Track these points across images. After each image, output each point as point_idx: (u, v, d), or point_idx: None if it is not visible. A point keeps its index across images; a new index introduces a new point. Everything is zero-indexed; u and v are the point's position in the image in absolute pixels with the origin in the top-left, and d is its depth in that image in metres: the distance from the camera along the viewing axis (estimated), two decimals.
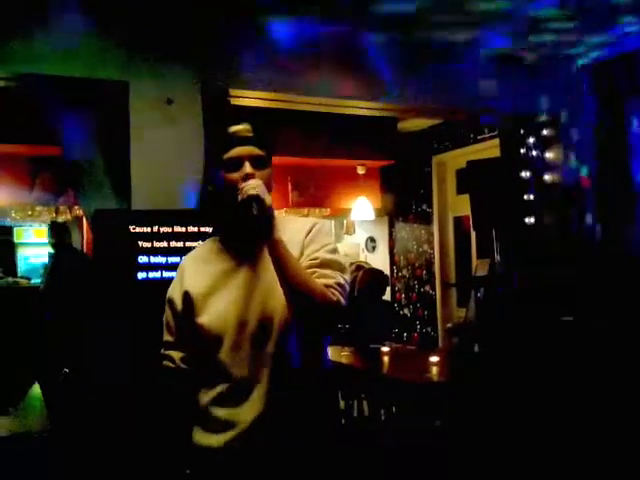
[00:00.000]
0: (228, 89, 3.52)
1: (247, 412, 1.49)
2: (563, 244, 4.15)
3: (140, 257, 3.06)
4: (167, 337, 1.61)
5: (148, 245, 3.07)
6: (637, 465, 2.76)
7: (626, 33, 3.81)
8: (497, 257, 4.19)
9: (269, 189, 1.50)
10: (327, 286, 1.46)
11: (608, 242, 4.08)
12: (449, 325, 5.43)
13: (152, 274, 3.06)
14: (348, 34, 3.65)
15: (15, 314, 5.31)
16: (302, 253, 1.54)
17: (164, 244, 3.10)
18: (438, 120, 5.65)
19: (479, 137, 5.42)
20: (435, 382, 3.40)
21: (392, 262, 6.74)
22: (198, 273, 1.58)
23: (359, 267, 5.83)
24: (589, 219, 4.25)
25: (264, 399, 1.49)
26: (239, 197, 1.44)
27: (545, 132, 4.48)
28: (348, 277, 1.55)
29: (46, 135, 4.37)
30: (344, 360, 4.00)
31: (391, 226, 6.76)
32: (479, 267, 4.87)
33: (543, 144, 4.48)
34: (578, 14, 3.52)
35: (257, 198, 1.43)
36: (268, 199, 1.45)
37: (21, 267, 8.12)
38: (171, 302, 1.60)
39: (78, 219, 6.32)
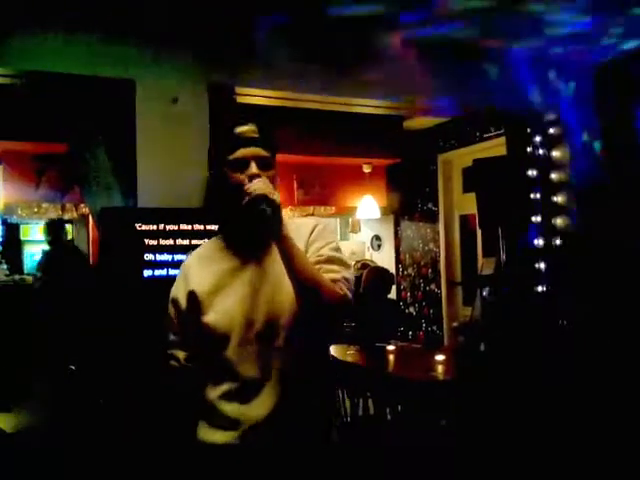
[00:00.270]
0: (234, 87, 3.52)
1: (255, 409, 1.49)
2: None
3: (146, 255, 3.06)
4: (171, 336, 1.61)
5: (154, 243, 3.08)
6: None
7: (635, 31, 3.79)
8: (503, 256, 4.18)
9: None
10: (334, 281, 1.49)
11: (615, 247, 4.07)
12: (455, 324, 5.42)
13: (158, 272, 3.06)
14: (356, 32, 3.64)
15: (21, 311, 5.33)
16: (307, 251, 1.55)
17: (170, 242, 3.10)
18: (444, 118, 5.64)
19: (485, 135, 5.41)
20: (441, 381, 3.39)
21: (398, 261, 6.73)
22: (203, 272, 1.58)
23: (364, 265, 5.83)
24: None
25: (272, 396, 1.49)
26: (247, 196, 1.45)
27: (552, 130, 4.47)
28: (352, 274, 1.57)
29: (52, 133, 4.41)
30: (350, 359, 3.99)
31: (397, 224, 6.75)
32: (485, 266, 4.86)
33: (550, 142, 4.47)
34: (588, 13, 3.50)
35: (267, 196, 1.44)
36: (277, 197, 1.46)
37: (27, 264, 8.15)
38: (175, 301, 1.60)
39: (84, 217, 6.33)
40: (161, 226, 3.10)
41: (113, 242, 3.10)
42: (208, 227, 3.11)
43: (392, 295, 6.13)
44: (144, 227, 3.07)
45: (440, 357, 3.68)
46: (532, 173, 4.43)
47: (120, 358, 2.90)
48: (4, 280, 6.42)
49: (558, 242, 4.41)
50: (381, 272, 5.21)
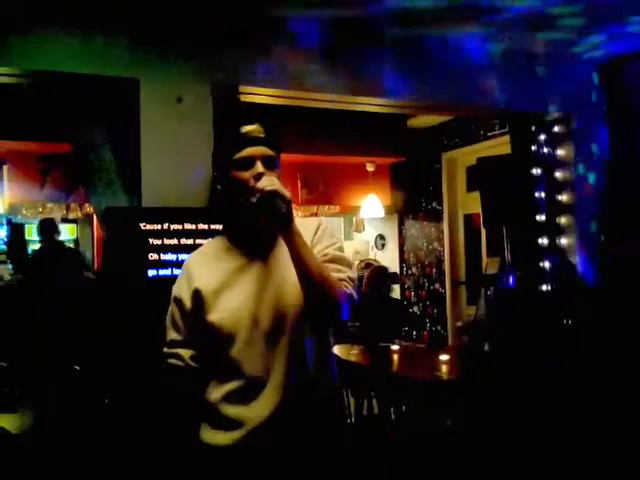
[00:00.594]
0: (238, 86, 3.52)
1: (259, 409, 1.49)
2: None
3: (150, 254, 3.06)
4: (174, 335, 1.59)
5: (158, 242, 3.08)
6: None
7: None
8: (507, 255, 4.17)
9: None
10: (340, 280, 1.50)
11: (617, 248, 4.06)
12: (459, 323, 5.41)
13: (162, 271, 3.06)
14: (359, 30, 3.64)
15: (25, 310, 5.34)
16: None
17: (174, 241, 3.11)
18: (448, 117, 5.63)
19: (489, 134, 5.40)
20: (445, 381, 3.38)
21: (402, 260, 6.72)
22: (208, 270, 1.58)
23: (368, 265, 5.83)
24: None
25: (276, 396, 1.49)
26: (258, 193, 1.45)
27: (556, 129, 4.46)
28: (355, 274, 1.59)
29: (57, 132, 4.41)
30: (354, 358, 3.99)
31: (401, 224, 6.75)
32: (489, 265, 4.85)
33: (554, 141, 4.45)
34: (590, 11, 3.49)
35: (278, 192, 1.44)
36: (287, 193, 1.47)
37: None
38: (178, 300, 1.58)
39: (89, 216, 6.35)
40: (165, 225, 3.10)
41: (117, 242, 3.11)
42: (212, 226, 3.11)
43: (396, 294, 6.13)
44: (148, 227, 3.08)
45: (444, 357, 3.67)
46: (537, 171, 4.42)
47: (124, 358, 2.90)
48: (9, 280, 6.43)
49: (563, 241, 4.41)
50: (383, 271, 5.20)
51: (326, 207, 6.51)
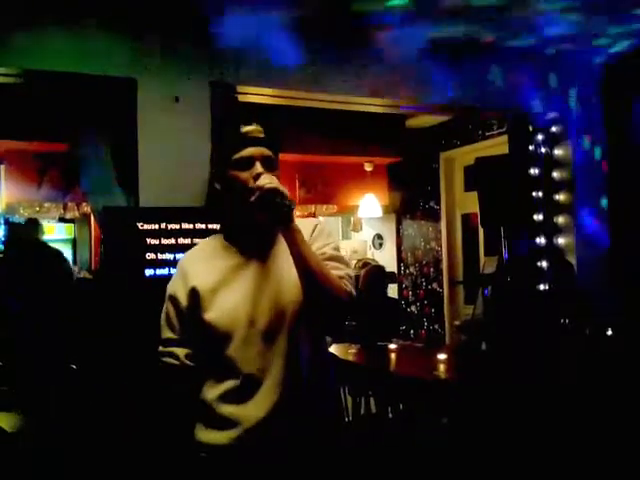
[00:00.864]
0: (235, 86, 3.52)
1: (255, 408, 1.48)
2: None
3: (148, 254, 3.06)
4: (169, 334, 1.59)
5: (156, 242, 3.08)
6: None
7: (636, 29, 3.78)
8: (505, 254, 4.17)
9: None
10: (339, 277, 1.51)
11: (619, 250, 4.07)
12: (457, 323, 5.41)
13: (160, 271, 3.06)
14: (355, 30, 3.64)
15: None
16: None
17: (172, 241, 3.11)
18: (446, 117, 5.63)
19: (487, 134, 5.40)
20: (442, 380, 3.39)
21: (399, 259, 6.72)
22: (204, 269, 1.57)
23: (365, 264, 5.82)
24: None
25: (274, 395, 1.48)
26: (258, 191, 1.45)
27: (554, 129, 4.46)
28: (353, 273, 1.60)
29: (54, 132, 4.40)
30: (351, 357, 3.99)
31: (398, 223, 6.75)
32: (487, 264, 4.85)
33: (552, 141, 4.46)
34: (589, 10, 3.49)
35: (278, 190, 1.45)
36: (286, 190, 1.47)
37: None
38: (174, 298, 1.58)
39: (86, 216, 6.33)
40: (163, 225, 3.10)
41: (115, 241, 3.10)
42: (210, 226, 3.11)
43: (394, 294, 6.13)
44: (146, 226, 3.08)
45: (442, 356, 3.68)
46: (534, 171, 4.43)
47: (122, 358, 2.90)
48: None
49: (560, 240, 4.41)
50: (380, 271, 5.21)
51: (324, 207, 6.51)
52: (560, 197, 4.44)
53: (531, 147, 4.44)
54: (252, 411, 1.48)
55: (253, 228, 1.56)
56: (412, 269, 6.52)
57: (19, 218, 5.79)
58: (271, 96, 3.73)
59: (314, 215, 6.35)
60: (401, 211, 6.68)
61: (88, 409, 3.00)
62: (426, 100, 4.07)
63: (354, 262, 6.23)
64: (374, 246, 7.22)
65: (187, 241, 3.09)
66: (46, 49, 3.12)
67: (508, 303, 3.98)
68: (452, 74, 3.97)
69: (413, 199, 6.43)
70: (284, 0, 3.27)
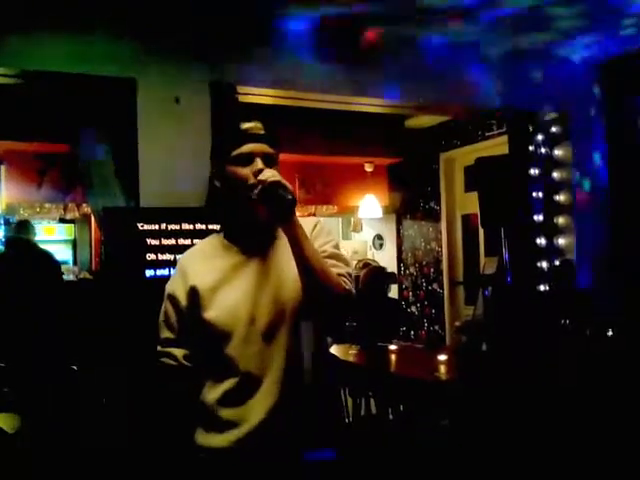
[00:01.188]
0: (236, 86, 3.52)
1: (255, 409, 1.47)
2: None
3: (148, 254, 3.06)
4: (167, 334, 1.57)
5: (156, 242, 3.08)
6: None
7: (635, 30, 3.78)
8: (505, 255, 4.17)
9: None
10: (339, 274, 1.50)
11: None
12: (457, 323, 5.41)
13: (160, 271, 3.06)
14: (355, 31, 3.64)
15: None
16: None
17: (172, 241, 3.11)
18: (446, 117, 5.63)
19: (487, 134, 5.40)
20: (443, 381, 3.38)
21: (400, 260, 6.72)
22: (204, 268, 1.56)
23: (366, 265, 5.82)
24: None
25: (274, 395, 1.47)
26: (261, 184, 1.44)
27: (554, 129, 4.46)
28: (353, 272, 1.58)
29: (54, 132, 4.40)
30: (352, 358, 3.99)
31: (399, 224, 6.74)
32: (487, 265, 4.85)
33: (552, 141, 4.46)
34: (587, 11, 3.49)
35: (280, 183, 1.44)
36: (288, 184, 1.46)
37: None
38: (173, 298, 1.56)
39: (86, 217, 6.33)
40: (163, 226, 3.10)
41: (115, 242, 3.10)
42: (210, 226, 3.10)
43: (394, 294, 6.13)
44: (146, 227, 3.08)
45: (442, 357, 3.67)
46: (534, 172, 4.43)
47: (122, 358, 2.90)
48: None
49: (560, 241, 4.41)
50: (380, 272, 5.20)
51: (324, 207, 6.51)
52: (560, 197, 4.44)
53: (531, 147, 4.44)
54: (252, 412, 1.47)
55: (253, 226, 1.55)
56: (412, 270, 6.51)
57: (19, 219, 5.79)
58: (271, 96, 3.74)
59: (314, 216, 6.35)
60: (401, 212, 6.67)
61: (88, 410, 3.00)
62: (425, 100, 4.07)
63: (354, 263, 6.23)
64: (374, 247, 7.22)
65: (187, 242, 3.09)
66: (46, 50, 3.12)
67: (508, 304, 3.98)
68: (452, 75, 3.97)
69: (413, 199, 6.43)
70: (285, 1, 3.27)
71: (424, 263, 6.32)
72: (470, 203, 5.35)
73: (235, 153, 1.52)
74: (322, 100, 3.92)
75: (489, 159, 4.31)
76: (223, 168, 1.54)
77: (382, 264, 5.75)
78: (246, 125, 1.54)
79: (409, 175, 6.50)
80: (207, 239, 1.68)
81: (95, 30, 3.19)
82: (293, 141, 5.17)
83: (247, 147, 1.52)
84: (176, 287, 1.57)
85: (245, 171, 1.50)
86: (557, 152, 4.46)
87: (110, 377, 3.05)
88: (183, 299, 1.55)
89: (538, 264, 4.39)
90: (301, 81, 3.65)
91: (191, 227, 3.14)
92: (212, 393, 1.52)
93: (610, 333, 3.52)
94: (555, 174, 4.46)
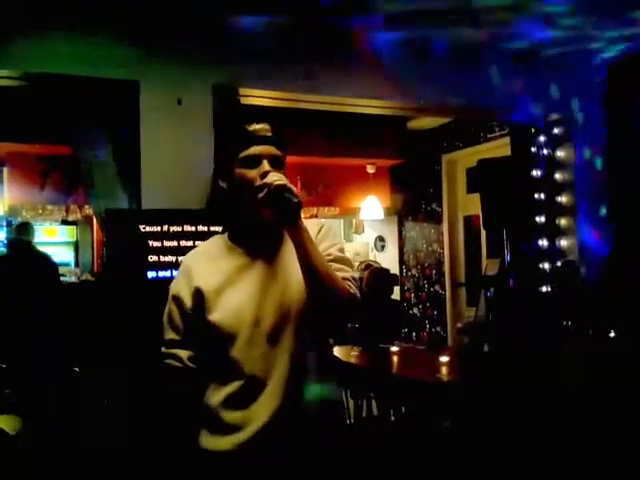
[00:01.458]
0: (238, 88, 3.53)
1: (259, 412, 1.46)
2: None
3: (150, 256, 3.07)
4: (172, 335, 1.56)
5: (158, 244, 3.08)
6: None
7: None
8: (507, 256, 4.17)
9: None
10: (344, 279, 1.49)
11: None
12: (459, 325, 5.41)
13: (162, 273, 3.07)
14: (358, 32, 3.64)
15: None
16: None
17: (174, 243, 3.11)
18: (448, 119, 5.63)
19: (490, 135, 5.40)
20: (445, 382, 3.38)
21: (401, 261, 6.72)
22: (209, 270, 1.55)
23: (368, 266, 5.82)
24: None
25: (278, 398, 1.47)
26: (267, 188, 1.44)
27: (556, 130, 4.46)
28: (357, 275, 1.59)
29: (57, 134, 4.42)
30: (353, 360, 3.99)
31: (400, 225, 6.75)
32: (489, 266, 4.85)
33: (554, 143, 4.46)
34: (592, 12, 3.49)
35: (286, 187, 1.44)
36: (294, 188, 1.46)
37: None
38: (178, 299, 1.55)
39: (88, 218, 6.34)
40: (165, 227, 3.11)
41: (117, 244, 3.11)
42: (212, 228, 3.12)
43: (396, 296, 6.12)
44: (148, 229, 3.08)
45: (444, 358, 3.67)
46: (536, 173, 4.42)
47: (124, 360, 2.90)
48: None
49: (562, 242, 4.41)
50: (383, 274, 5.20)
51: (326, 209, 6.51)
52: (562, 199, 4.44)
53: (533, 149, 4.44)
54: (256, 414, 1.46)
55: (259, 228, 1.54)
56: (414, 271, 6.51)
57: (21, 221, 5.80)
58: (273, 98, 3.74)
59: (316, 217, 6.35)
60: (403, 213, 6.67)
61: (89, 411, 3.00)
62: (427, 102, 4.07)
63: (356, 264, 6.23)
64: (376, 248, 7.22)
65: (189, 243, 3.09)
66: (49, 52, 3.13)
67: (510, 305, 3.97)
68: (456, 76, 3.97)
69: (415, 201, 6.43)
70: (287, 3, 3.27)
71: (426, 265, 6.32)
72: (472, 204, 5.35)
73: (242, 155, 1.51)
74: (324, 102, 3.93)
75: (491, 160, 4.31)
76: (230, 169, 1.53)
77: (384, 266, 5.75)
78: (254, 127, 1.53)
79: (411, 176, 6.50)
80: (211, 240, 1.67)
81: (98, 32, 3.19)
82: (295, 143, 5.15)
83: (254, 149, 1.51)
84: (180, 288, 1.56)
85: (252, 173, 1.50)
86: (559, 153, 4.46)
87: (112, 379, 3.05)
88: (188, 300, 1.54)
89: (540, 265, 4.38)
90: (303, 83, 3.65)
91: (193, 229, 3.15)
92: (216, 395, 1.52)
93: (612, 334, 3.51)
94: (557, 175, 4.45)
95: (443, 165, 6.05)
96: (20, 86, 3.36)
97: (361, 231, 7.26)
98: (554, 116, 4.40)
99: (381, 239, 7.16)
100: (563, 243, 4.42)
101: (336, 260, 1.53)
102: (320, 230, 1.59)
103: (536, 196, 4.39)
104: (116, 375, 3.00)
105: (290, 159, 1.65)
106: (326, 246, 1.55)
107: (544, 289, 4.33)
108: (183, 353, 1.54)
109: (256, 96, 3.65)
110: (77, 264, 7.21)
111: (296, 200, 1.43)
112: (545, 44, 3.99)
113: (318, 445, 1.52)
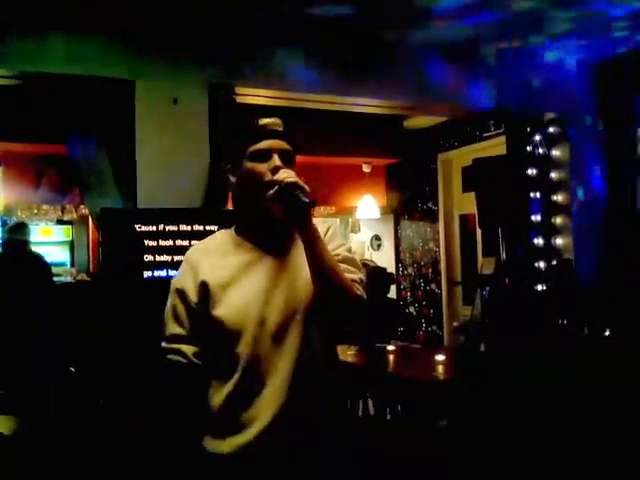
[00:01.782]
0: (233, 88, 3.52)
1: (261, 414, 1.43)
2: None
3: (146, 256, 3.06)
4: (176, 330, 1.50)
5: (154, 244, 3.08)
6: None
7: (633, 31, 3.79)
8: (503, 255, 4.18)
9: None
10: (352, 280, 1.48)
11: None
12: (455, 323, 5.42)
13: (158, 273, 3.06)
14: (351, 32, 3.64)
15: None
16: None
17: (170, 242, 3.10)
18: (444, 118, 5.64)
19: (485, 134, 5.40)
20: (441, 381, 3.39)
21: (397, 260, 6.73)
22: (216, 264, 1.51)
23: (364, 265, 5.82)
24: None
25: (281, 398, 1.44)
26: (278, 185, 1.41)
27: (551, 130, 4.47)
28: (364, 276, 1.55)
29: (52, 134, 4.40)
30: (350, 359, 3.99)
31: (396, 224, 6.75)
32: (485, 265, 4.85)
33: (549, 141, 4.47)
34: (583, 13, 3.50)
35: (297, 184, 1.41)
36: (306, 186, 1.43)
37: None
38: (182, 292, 1.50)
39: (84, 218, 6.33)
40: (160, 227, 3.10)
41: (113, 243, 3.10)
42: (208, 227, 3.11)
43: (392, 295, 6.13)
44: (143, 228, 3.08)
45: (440, 357, 3.67)
46: (532, 172, 4.43)
47: (120, 359, 2.89)
48: None
49: (558, 241, 4.42)
50: (379, 272, 5.20)
51: (322, 208, 6.51)
52: (558, 198, 4.45)
53: (529, 148, 4.44)
54: (259, 414, 1.43)
55: (268, 223, 1.51)
56: (410, 270, 6.52)
57: (16, 220, 5.79)
58: (269, 97, 3.74)
59: (313, 216, 6.34)
60: (399, 212, 6.68)
61: (85, 411, 2.99)
62: (425, 101, 4.08)
63: None
64: (372, 247, 7.22)
65: (185, 243, 3.09)
66: (44, 51, 3.12)
67: (506, 304, 3.98)
68: (449, 76, 3.97)
69: (411, 200, 6.43)
70: (283, 2, 3.27)
71: (422, 263, 6.33)
72: (468, 203, 5.36)
73: (252, 149, 1.49)
74: (319, 101, 3.92)
75: (487, 159, 4.32)
76: (239, 163, 1.51)
77: (380, 265, 5.75)
78: (265, 121, 1.51)
79: (407, 176, 6.50)
80: (215, 235, 1.63)
81: (93, 32, 3.18)
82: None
83: (265, 143, 1.49)
84: (185, 282, 1.51)
85: (262, 167, 1.47)
86: (555, 152, 4.47)
87: (108, 378, 3.04)
88: (193, 295, 1.49)
89: (536, 264, 4.39)
90: (298, 82, 3.65)
91: (189, 228, 3.14)
92: (218, 395, 1.48)
93: (608, 333, 3.53)
94: (553, 174, 4.46)
95: (439, 164, 6.05)
96: (15, 85, 3.34)
97: (357, 230, 7.26)
98: (549, 115, 4.41)
99: (377, 238, 7.17)
100: (558, 242, 4.43)
101: (344, 261, 1.51)
102: (327, 231, 1.56)
103: (532, 195, 4.40)
104: (112, 375, 2.99)
105: None
106: (334, 246, 1.53)
107: (540, 288, 4.34)
108: (188, 348, 1.49)
109: (252, 95, 3.65)
110: (73, 264, 7.20)
111: (307, 200, 1.40)
112: (541, 42, 4.00)
113: (321, 449, 1.49)
